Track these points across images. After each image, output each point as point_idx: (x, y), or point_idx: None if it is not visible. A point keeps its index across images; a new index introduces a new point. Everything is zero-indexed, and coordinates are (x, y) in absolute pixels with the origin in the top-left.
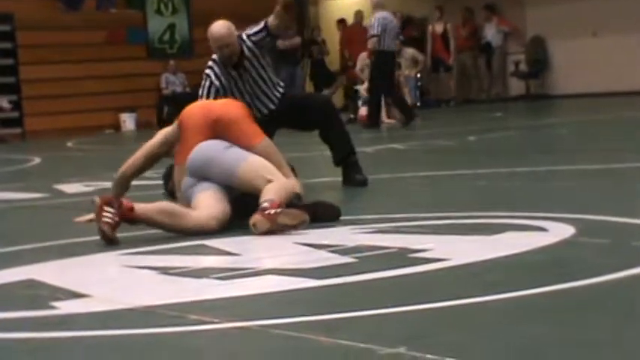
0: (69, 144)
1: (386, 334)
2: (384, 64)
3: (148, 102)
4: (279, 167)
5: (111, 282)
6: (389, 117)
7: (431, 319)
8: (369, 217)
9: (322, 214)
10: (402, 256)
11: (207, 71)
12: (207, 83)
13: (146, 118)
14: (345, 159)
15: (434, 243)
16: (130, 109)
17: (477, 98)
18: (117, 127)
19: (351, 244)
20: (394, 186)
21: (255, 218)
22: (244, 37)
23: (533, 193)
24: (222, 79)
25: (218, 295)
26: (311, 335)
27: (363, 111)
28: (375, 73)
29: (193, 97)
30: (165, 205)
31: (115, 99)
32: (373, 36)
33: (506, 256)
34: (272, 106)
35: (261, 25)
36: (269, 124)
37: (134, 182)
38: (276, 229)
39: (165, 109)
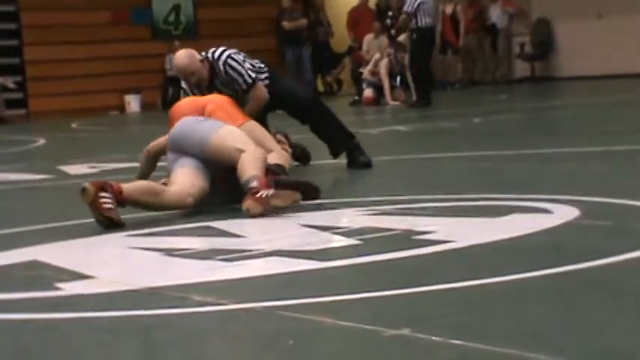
0: (73, 125)
1: (390, 315)
2: (424, 41)
3: (152, 83)
4: (261, 144)
5: (115, 263)
6: (393, 98)
7: (435, 301)
8: (374, 199)
9: (302, 194)
10: (407, 238)
11: (184, 86)
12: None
13: (151, 100)
14: (340, 153)
15: (438, 225)
16: (134, 91)
17: (482, 80)
18: (122, 108)
19: (355, 225)
20: (398, 168)
21: (248, 203)
22: (221, 62)
23: (537, 175)
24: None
25: (223, 276)
26: (315, 317)
27: (368, 92)
28: (416, 50)
29: None
30: (146, 184)
31: (119, 80)
32: (406, 13)
33: (511, 238)
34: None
35: (246, 81)
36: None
37: (124, 165)
38: (268, 211)
39: (170, 90)
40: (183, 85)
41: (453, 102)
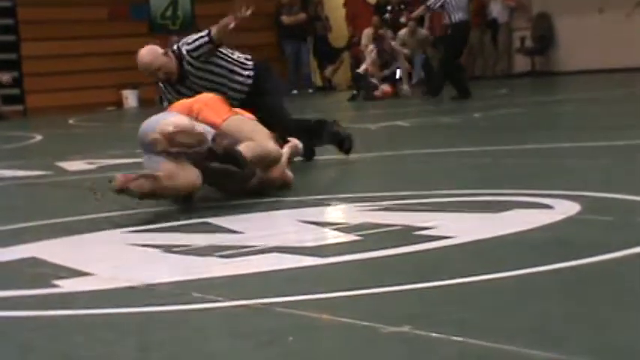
0: (70, 121)
1: (390, 312)
2: (459, 36)
3: (150, 79)
4: (249, 138)
5: (114, 260)
6: (384, 93)
7: (435, 298)
8: (373, 194)
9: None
10: (407, 234)
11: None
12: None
13: (148, 96)
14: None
15: (438, 220)
16: (132, 86)
17: (482, 75)
18: (119, 104)
19: (355, 221)
20: (398, 163)
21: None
22: (184, 52)
23: (538, 171)
24: (172, 96)
25: (221, 273)
26: (314, 313)
27: (386, 87)
28: (450, 46)
29: None
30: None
31: (117, 76)
32: (426, 7)
33: (512, 234)
34: (243, 94)
35: (204, 37)
36: (247, 102)
37: (122, 161)
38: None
39: None
40: (161, 85)
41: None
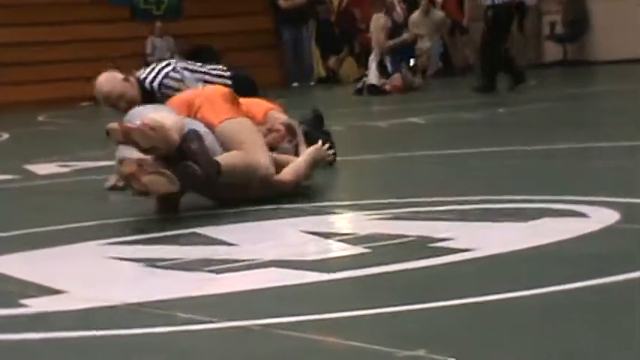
0: (40, 118)
1: (403, 334)
2: (500, 19)
3: (132, 69)
4: (239, 147)
5: (89, 276)
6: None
7: (454, 318)
8: (384, 201)
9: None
10: (422, 246)
11: None
12: None
13: None
14: None
15: (458, 231)
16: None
17: None
18: (95, 98)
19: (363, 232)
20: (412, 166)
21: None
22: (156, 85)
23: (572, 174)
24: None
25: (212, 290)
26: (318, 336)
27: (396, 81)
28: (491, 30)
29: None
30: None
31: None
32: None
33: (541, 246)
34: None
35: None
36: None
37: (100, 164)
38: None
39: None
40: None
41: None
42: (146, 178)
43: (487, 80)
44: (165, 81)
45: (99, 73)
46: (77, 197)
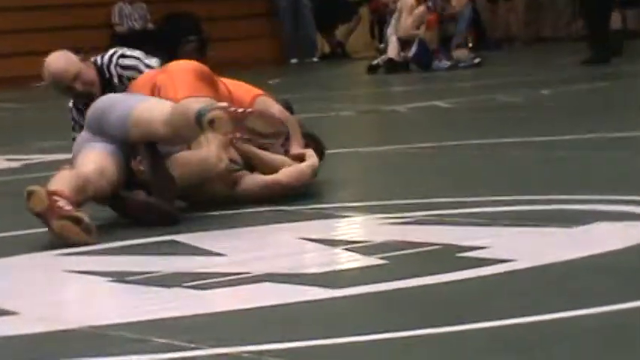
0: None
1: None
2: None
3: (96, 43)
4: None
5: (45, 293)
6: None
7: (485, 344)
8: (401, 202)
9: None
10: (448, 256)
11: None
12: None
13: None
14: None
15: (492, 238)
16: (71, 51)
17: (552, 36)
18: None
19: (377, 239)
20: (436, 159)
21: (215, 114)
22: (114, 68)
23: (629, 169)
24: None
25: (194, 310)
26: None
27: (461, 52)
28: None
29: (158, 35)
30: (69, 176)
31: (50, 39)
32: None
33: (594, 256)
34: None
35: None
36: None
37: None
38: (240, 133)
39: None
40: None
41: (513, 67)
42: (56, 224)
43: (600, 49)
44: (122, 61)
45: (55, 46)
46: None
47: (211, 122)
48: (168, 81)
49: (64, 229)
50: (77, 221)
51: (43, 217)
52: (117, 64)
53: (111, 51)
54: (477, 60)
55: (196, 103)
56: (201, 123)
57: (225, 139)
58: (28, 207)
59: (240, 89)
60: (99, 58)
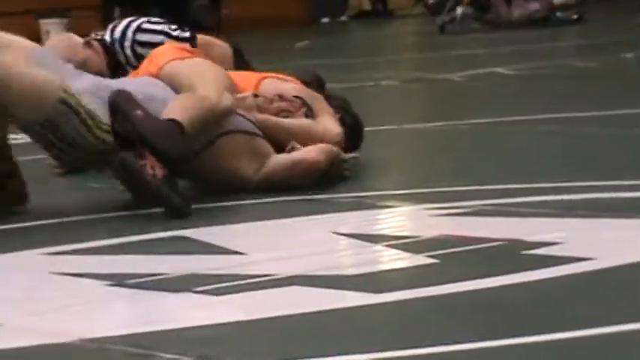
0: None
1: None
2: None
3: (85, 0)
4: (187, 88)
5: (31, 300)
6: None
7: (565, 358)
8: (456, 189)
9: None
10: (513, 254)
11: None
12: None
13: (84, 28)
14: None
15: (565, 232)
16: (57, 14)
17: None
18: (36, 41)
19: (427, 233)
20: (495, 137)
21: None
22: (128, 42)
23: None
24: None
25: (208, 319)
26: None
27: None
28: None
29: None
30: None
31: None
32: None
33: None
34: None
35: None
36: None
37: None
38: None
39: (117, 10)
40: None
41: (587, 26)
42: None
43: None
44: (140, 36)
45: (42, 5)
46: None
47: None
48: (147, 60)
49: None
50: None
51: None
52: (133, 41)
53: (124, 22)
54: (575, 16)
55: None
56: None
57: (227, 83)
58: None
59: (243, 80)
60: (108, 35)
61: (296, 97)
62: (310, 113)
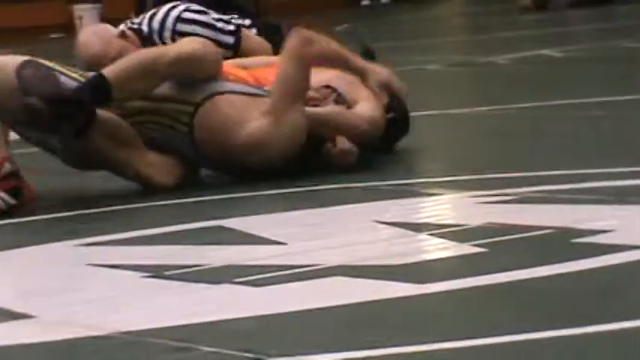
0: None
1: None
2: None
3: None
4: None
5: (63, 292)
6: None
7: (626, 347)
8: (502, 175)
9: None
10: (564, 242)
11: None
12: None
13: (117, 12)
14: None
15: (618, 219)
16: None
17: None
18: (68, 27)
19: (473, 222)
20: (542, 124)
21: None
22: (170, 24)
23: None
24: None
25: (249, 312)
26: None
27: None
28: None
29: None
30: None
31: None
32: None
33: None
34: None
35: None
36: None
37: None
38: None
39: None
40: None
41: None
42: None
43: None
44: (180, 26)
45: None
46: (38, 175)
47: None
48: None
49: None
50: None
51: None
52: (174, 32)
53: (162, 10)
54: None
55: None
56: None
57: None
58: None
59: (263, 72)
60: (146, 25)
61: (326, 86)
62: (341, 99)
